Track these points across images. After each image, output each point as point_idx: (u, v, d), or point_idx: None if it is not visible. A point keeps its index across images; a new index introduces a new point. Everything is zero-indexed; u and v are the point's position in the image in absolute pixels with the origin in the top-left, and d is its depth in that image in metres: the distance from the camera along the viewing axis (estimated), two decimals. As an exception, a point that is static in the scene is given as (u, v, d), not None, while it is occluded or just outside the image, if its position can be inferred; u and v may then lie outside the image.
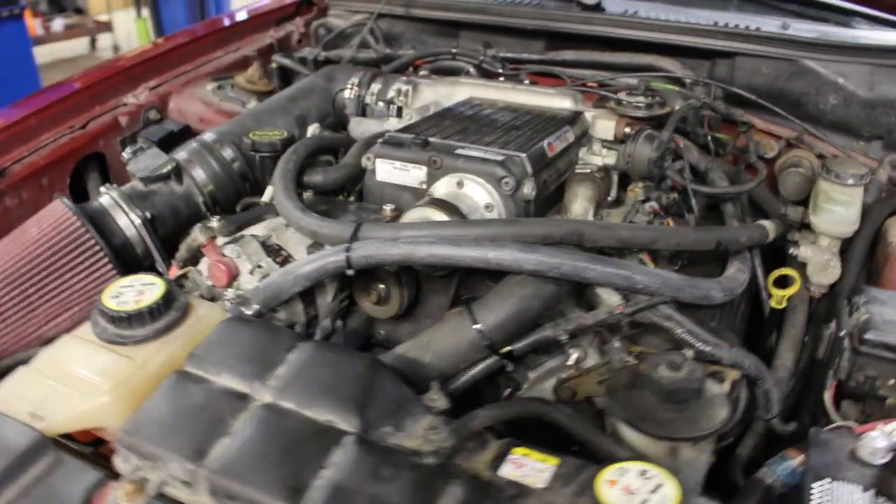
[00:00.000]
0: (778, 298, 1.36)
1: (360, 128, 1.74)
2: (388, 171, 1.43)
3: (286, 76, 2.23)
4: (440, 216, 1.25)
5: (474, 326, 1.14)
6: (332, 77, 1.93)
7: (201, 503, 0.87)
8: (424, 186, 1.40)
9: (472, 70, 2.03)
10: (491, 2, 2.17)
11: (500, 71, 2.00)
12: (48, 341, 1.48)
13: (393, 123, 1.72)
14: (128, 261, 1.55)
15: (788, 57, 1.78)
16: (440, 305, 1.41)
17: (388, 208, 1.38)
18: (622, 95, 1.63)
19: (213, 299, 1.25)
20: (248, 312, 1.14)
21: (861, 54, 1.73)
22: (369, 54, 2.22)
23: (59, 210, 1.51)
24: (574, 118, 1.63)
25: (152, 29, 4.59)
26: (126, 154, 1.69)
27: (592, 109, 1.67)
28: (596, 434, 1.00)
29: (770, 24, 1.94)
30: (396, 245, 1.15)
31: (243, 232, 1.31)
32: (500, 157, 1.36)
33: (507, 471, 0.90)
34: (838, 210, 1.43)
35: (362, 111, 1.83)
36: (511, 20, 2.10)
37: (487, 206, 1.33)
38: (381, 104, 1.80)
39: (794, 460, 1.17)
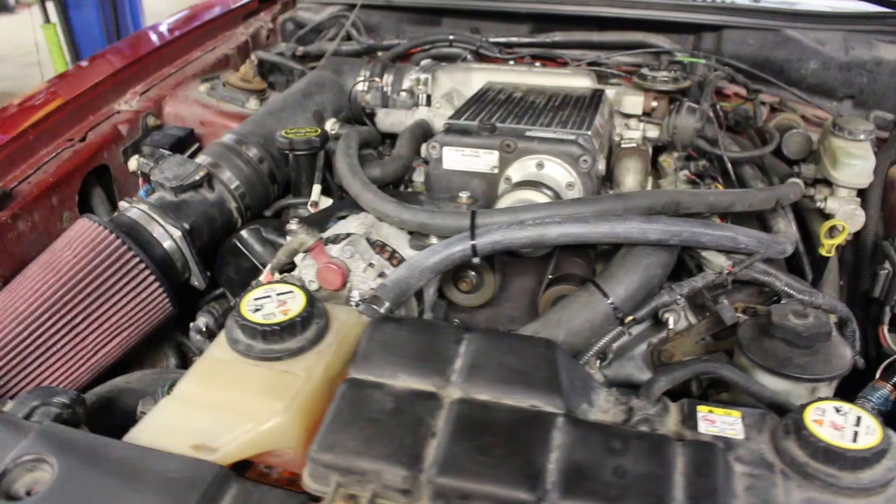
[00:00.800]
0: (828, 247, 1.48)
1: (388, 119, 1.71)
2: (456, 158, 1.42)
3: (263, 73, 2.13)
4: (541, 197, 1.27)
5: (608, 300, 1.16)
6: (339, 70, 1.87)
7: (423, 509, 0.84)
8: (496, 171, 1.41)
9: (469, 56, 2.04)
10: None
11: (499, 55, 2.02)
12: (107, 373, 1.38)
13: (423, 112, 1.70)
14: (169, 276, 1.45)
15: (773, 27, 1.92)
16: (523, 289, 1.43)
17: (464, 196, 1.38)
18: (646, 71, 1.70)
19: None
20: (381, 310, 1.10)
21: (836, 21, 1.90)
22: (352, 46, 2.17)
23: (90, 228, 1.38)
24: (599, 96, 1.69)
25: (63, 35, 4.16)
26: (142, 163, 1.58)
27: (613, 86, 1.73)
28: (757, 384, 1.05)
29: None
30: (524, 228, 1.15)
31: (334, 231, 1.26)
32: (573, 137, 1.39)
33: (704, 428, 0.94)
34: (859, 164, 1.56)
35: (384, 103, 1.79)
36: (499, 4, 2.12)
37: (569, 185, 1.36)
38: (403, 94, 1.77)
39: (885, 389, 1.29)
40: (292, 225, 1.28)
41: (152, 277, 1.40)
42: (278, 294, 1.02)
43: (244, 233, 1.51)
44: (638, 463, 0.85)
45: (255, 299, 1.02)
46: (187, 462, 0.89)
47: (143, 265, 1.39)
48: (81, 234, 1.39)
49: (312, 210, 1.50)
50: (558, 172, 1.35)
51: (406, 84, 1.80)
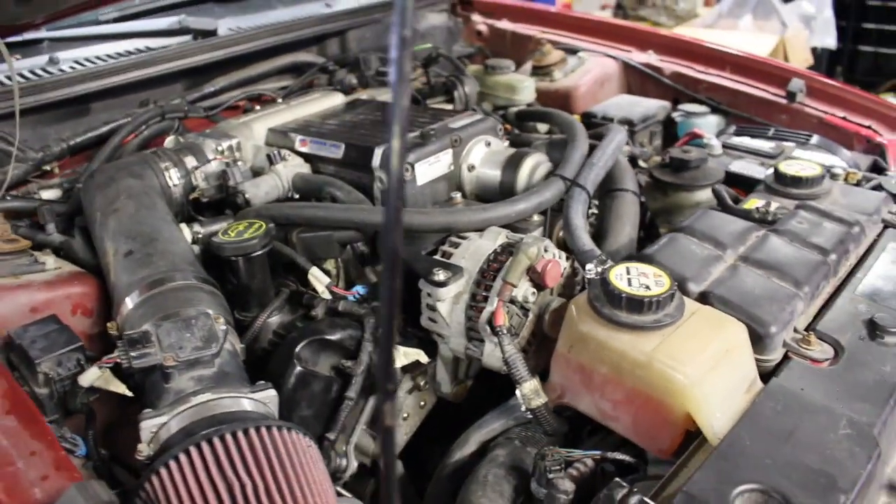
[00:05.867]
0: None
1: (262, 189, 1.50)
2: (425, 170, 1.49)
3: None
4: (543, 155, 1.53)
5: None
6: (136, 174, 1.44)
7: None
8: (452, 167, 1.54)
9: (179, 125, 1.81)
10: (120, 62, 1.85)
11: (206, 115, 1.89)
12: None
13: (280, 169, 1.55)
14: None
15: (376, 20, 2.34)
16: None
17: (457, 196, 1.49)
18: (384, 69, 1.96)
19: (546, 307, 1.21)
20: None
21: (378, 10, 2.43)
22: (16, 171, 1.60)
23: (236, 443, 0.94)
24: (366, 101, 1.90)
25: None
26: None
27: (368, 91, 1.95)
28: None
29: (315, 6, 2.39)
30: (595, 167, 1.45)
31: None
32: (481, 116, 1.64)
33: None
34: (528, 84, 2.21)
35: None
36: (152, 69, 1.87)
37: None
38: (241, 164, 1.54)
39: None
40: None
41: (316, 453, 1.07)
42: (629, 273, 1.09)
43: (300, 352, 1.23)
44: None
45: (628, 286, 1.06)
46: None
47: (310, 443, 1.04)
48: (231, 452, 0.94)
49: (337, 290, 1.32)
50: (498, 145, 1.60)
51: (213, 158, 1.56)
